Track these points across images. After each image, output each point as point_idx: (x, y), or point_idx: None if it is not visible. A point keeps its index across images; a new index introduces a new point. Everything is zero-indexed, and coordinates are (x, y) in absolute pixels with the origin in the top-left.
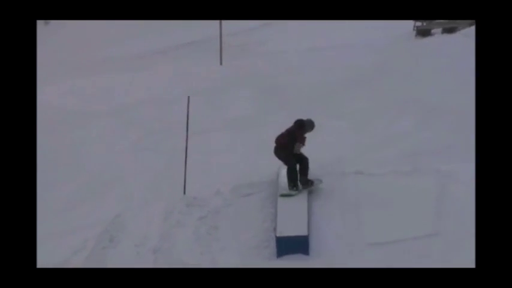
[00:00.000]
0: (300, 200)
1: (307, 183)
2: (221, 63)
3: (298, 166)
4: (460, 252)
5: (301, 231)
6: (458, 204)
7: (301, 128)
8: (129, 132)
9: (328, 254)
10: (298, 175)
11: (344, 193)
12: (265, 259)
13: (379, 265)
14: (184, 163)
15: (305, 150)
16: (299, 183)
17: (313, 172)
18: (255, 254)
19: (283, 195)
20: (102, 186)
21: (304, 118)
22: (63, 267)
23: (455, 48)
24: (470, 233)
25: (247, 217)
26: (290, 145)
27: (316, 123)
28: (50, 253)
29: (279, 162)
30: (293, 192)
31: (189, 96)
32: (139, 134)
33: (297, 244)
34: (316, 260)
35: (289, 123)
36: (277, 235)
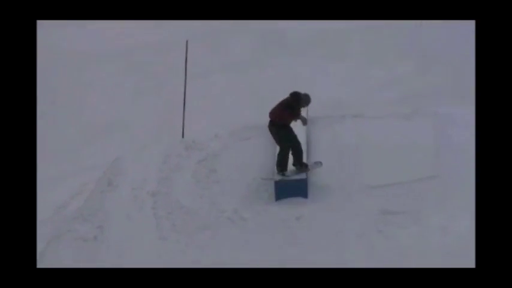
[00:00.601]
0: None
1: (302, 167)
2: None
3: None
4: (458, 194)
5: (300, 175)
6: (456, 146)
7: (296, 102)
8: (129, 75)
9: (327, 197)
10: (293, 158)
11: (343, 136)
12: (264, 203)
13: (377, 208)
14: (183, 106)
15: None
16: (293, 167)
17: (312, 115)
18: (254, 198)
19: (263, 179)
20: (101, 130)
21: (301, 88)
22: (62, 210)
23: None
24: (468, 175)
25: (246, 161)
26: (283, 121)
27: (316, 66)
28: (49, 197)
29: None
30: (276, 177)
31: (187, 40)
32: (139, 78)
33: (296, 188)
34: (315, 203)
35: (289, 67)
36: (276, 179)
